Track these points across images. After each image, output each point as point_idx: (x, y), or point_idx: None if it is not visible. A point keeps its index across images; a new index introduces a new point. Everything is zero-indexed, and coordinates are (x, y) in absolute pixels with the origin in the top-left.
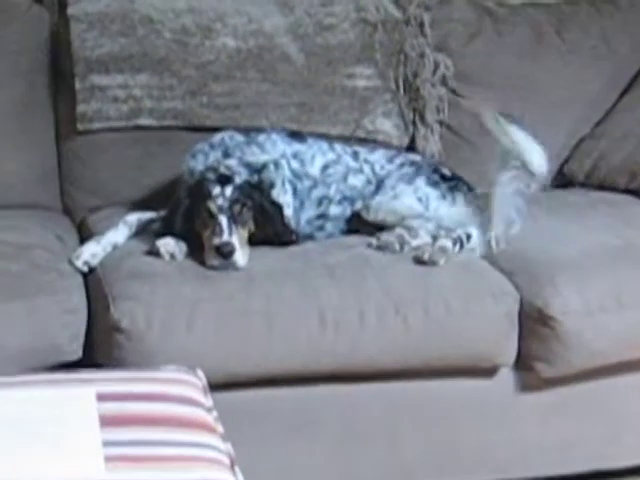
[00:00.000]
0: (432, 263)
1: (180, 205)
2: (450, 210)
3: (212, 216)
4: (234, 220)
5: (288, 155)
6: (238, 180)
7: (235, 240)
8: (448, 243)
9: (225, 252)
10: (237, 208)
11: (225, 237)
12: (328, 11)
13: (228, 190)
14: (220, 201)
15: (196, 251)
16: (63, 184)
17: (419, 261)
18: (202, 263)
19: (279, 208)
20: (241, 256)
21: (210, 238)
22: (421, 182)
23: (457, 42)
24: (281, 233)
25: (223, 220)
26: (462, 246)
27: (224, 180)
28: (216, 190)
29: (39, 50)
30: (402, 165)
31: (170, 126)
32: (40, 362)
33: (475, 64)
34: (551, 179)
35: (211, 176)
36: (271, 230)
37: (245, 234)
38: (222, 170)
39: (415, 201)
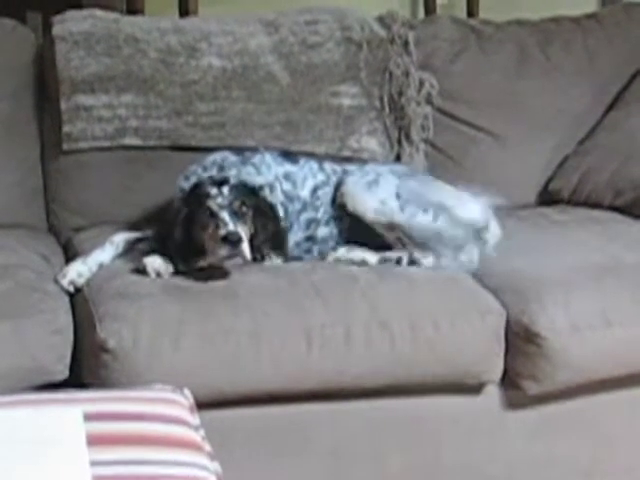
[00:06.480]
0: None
1: (178, 215)
2: (428, 225)
3: (213, 215)
4: (235, 215)
5: (280, 177)
6: (233, 181)
7: (240, 231)
8: (373, 259)
9: (234, 240)
10: (237, 204)
11: (231, 227)
12: (313, 30)
13: (225, 189)
14: (220, 199)
15: (195, 259)
16: (49, 204)
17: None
18: (197, 279)
19: (273, 207)
20: (247, 248)
21: (214, 233)
22: (413, 182)
23: (442, 60)
24: (278, 230)
25: (225, 215)
26: (399, 263)
27: (220, 182)
28: (214, 190)
29: (24, 70)
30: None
31: (156, 146)
32: (26, 382)
33: (460, 82)
34: (536, 196)
35: (206, 180)
36: (270, 228)
37: (247, 232)
38: (217, 177)
39: (392, 196)
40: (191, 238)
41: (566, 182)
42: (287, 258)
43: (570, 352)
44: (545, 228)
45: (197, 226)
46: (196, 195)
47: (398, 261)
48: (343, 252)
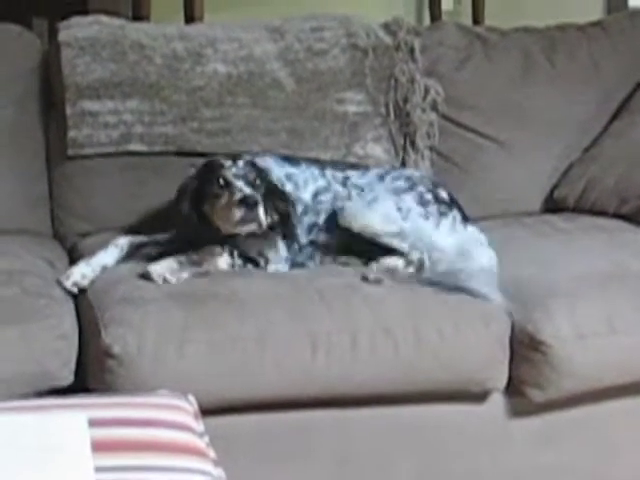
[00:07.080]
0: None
1: (186, 189)
2: (430, 232)
3: (228, 184)
4: (251, 186)
5: (282, 178)
6: (248, 158)
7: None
8: (399, 262)
9: (251, 202)
10: (252, 176)
11: (248, 191)
12: (318, 37)
13: (240, 162)
14: (234, 170)
15: (205, 231)
16: (54, 210)
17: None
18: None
19: (284, 191)
20: (263, 214)
21: (229, 199)
22: (409, 197)
23: (447, 67)
24: (288, 212)
25: (241, 183)
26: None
27: (234, 157)
28: (228, 162)
29: (30, 76)
30: (395, 179)
31: (161, 152)
32: (31, 388)
33: (465, 89)
34: (541, 204)
35: (219, 156)
36: (281, 209)
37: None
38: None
39: (393, 210)
40: (200, 212)
41: (571, 190)
42: (295, 240)
43: (575, 360)
44: (550, 236)
45: (209, 197)
46: (209, 167)
47: (419, 268)
48: (377, 265)
